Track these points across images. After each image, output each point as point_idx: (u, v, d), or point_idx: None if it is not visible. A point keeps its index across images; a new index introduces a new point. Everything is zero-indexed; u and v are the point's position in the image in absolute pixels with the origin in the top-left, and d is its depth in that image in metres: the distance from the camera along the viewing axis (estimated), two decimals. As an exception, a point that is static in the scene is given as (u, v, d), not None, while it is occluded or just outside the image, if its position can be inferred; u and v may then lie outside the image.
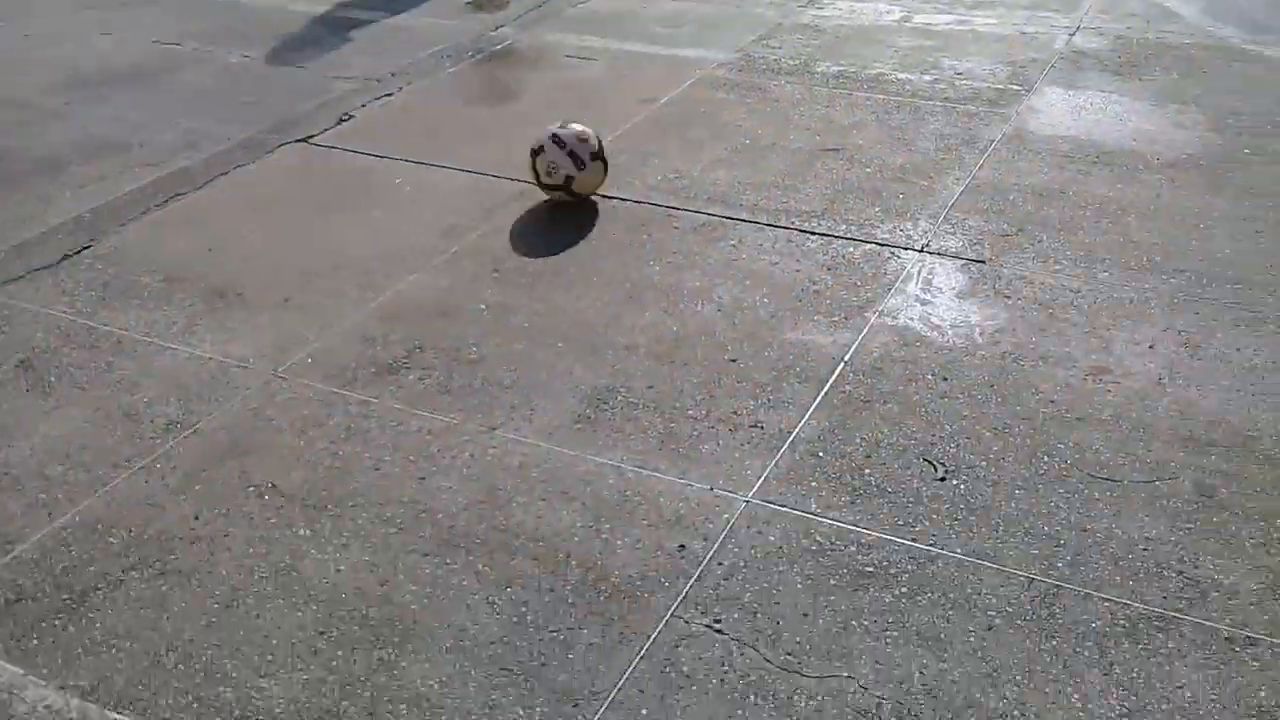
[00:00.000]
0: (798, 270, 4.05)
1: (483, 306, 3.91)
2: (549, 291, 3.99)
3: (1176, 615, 2.58)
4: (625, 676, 2.49)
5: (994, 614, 2.61)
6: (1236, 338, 3.55)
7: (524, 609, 2.68)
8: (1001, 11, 6.57)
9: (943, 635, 2.56)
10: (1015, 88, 5.51)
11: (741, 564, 2.79)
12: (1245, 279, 3.86)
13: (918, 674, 2.47)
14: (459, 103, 5.75)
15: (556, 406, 3.39)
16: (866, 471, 3.08)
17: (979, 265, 4.02)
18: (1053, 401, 3.31)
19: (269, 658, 2.59)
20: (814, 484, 3.04)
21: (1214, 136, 4.90)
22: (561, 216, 4.51)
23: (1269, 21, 6.17)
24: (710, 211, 4.49)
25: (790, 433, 3.24)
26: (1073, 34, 6.16)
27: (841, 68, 5.86)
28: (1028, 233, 4.22)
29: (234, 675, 2.54)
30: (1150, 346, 3.53)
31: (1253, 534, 2.80)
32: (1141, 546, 2.78)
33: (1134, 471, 3.03)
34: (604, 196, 4.61)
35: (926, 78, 5.68)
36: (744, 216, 4.44)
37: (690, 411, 3.35)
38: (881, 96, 5.49)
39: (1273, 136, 4.88)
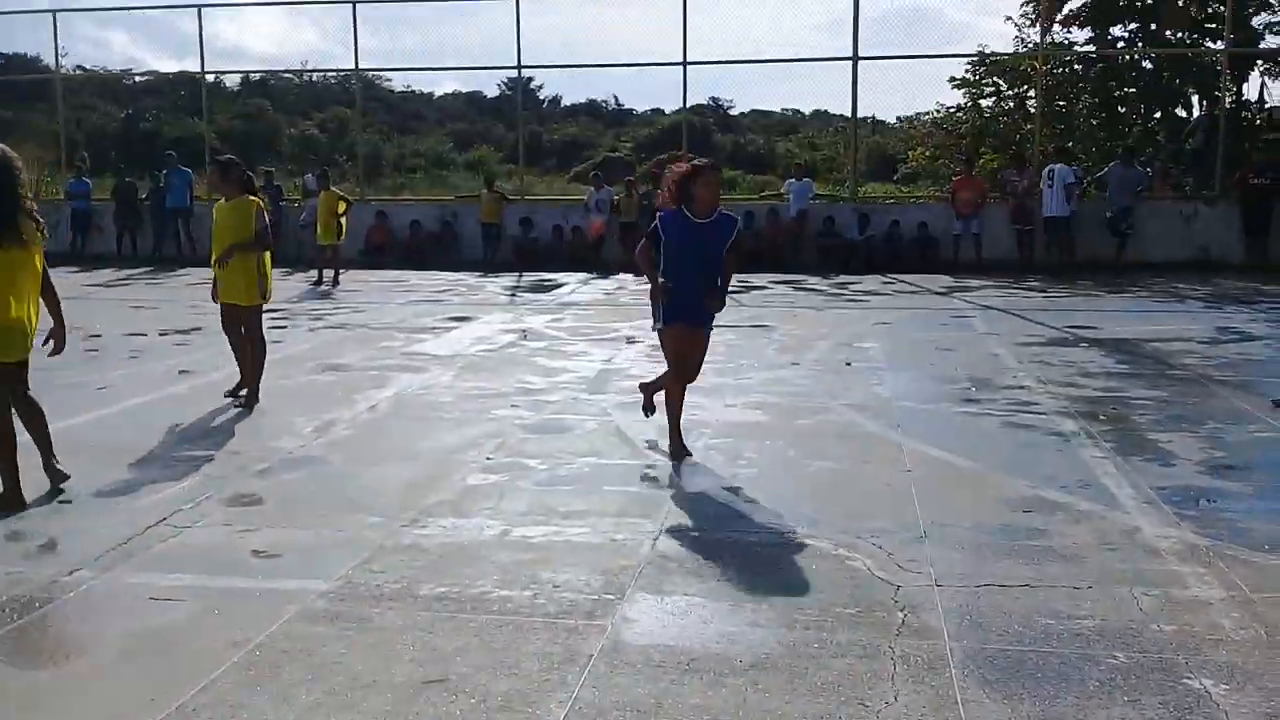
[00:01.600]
0: (398, 831, 3.75)
1: None
2: None
3: None
4: None
5: None
6: None
7: None
8: (592, 519, 7.03)
9: None
10: (609, 597, 5.77)
11: None
12: (832, 784, 4.01)
13: None
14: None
15: None
16: None
17: (585, 801, 3.91)
18: None
19: None
20: None
21: (786, 633, 5.30)
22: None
23: (817, 515, 7.02)
24: (303, 770, 4.14)
25: None
26: (656, 539, 6.66)
27: (444, 589, 5.91)
28: (630, 756, 4.21)
29: None
30: None
31: None
32: None
33: None
34: (179, 767, 4.14)
35: (526, 593, 5.83)
36: (340, 772, 4.13)
37: None
38: (484, 617, 5.54)
39: (835, 629, 5.35)
